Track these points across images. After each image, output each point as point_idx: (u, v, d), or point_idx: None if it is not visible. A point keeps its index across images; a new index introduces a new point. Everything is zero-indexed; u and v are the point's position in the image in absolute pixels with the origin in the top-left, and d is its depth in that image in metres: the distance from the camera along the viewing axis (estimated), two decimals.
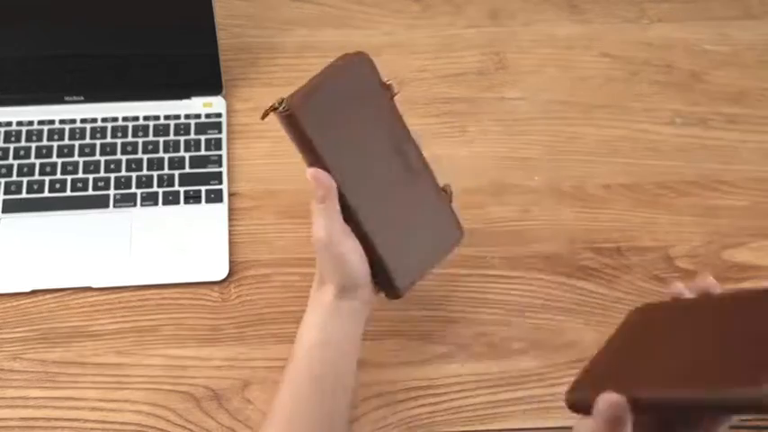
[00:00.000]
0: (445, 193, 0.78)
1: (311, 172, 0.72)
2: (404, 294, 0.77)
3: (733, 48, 1.09)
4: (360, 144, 0.74)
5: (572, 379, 0.84)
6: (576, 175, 0.98)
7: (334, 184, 0.72)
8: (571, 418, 0.80)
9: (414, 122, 1.00)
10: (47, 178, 0.93)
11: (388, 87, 0.75)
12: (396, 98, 0.75)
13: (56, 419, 0.81)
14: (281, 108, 0.70)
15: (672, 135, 1.02)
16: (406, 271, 0.76)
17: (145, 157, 0.95)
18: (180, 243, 0.90)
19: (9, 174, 0.93)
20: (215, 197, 0.93)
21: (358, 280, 0.74)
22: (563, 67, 1.07)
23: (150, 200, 0.93)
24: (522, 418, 0.83)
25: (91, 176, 0.94)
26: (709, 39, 1.10)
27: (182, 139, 0.97)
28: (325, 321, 0.75)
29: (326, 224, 0.72)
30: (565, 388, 0.83)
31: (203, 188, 0.93)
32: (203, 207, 0.92)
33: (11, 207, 0.91)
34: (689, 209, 0.96)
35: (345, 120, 0.73)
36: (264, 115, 0.71)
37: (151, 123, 0.97)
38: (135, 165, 0.95)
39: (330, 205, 0.72)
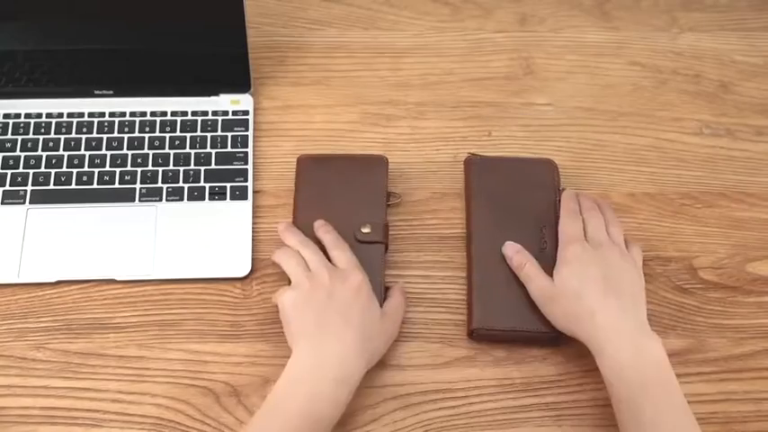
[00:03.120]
0: None
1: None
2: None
3: (764, 59, 1.08)
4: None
5: (589, 386, 0.84)
6: (601, 182, 0.98)
7: None
8: (589, 427, 0.80)
9: (439, 125, 1.01)
10: (74, 171, 0.94)
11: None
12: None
13: (76, 410, 0.82)
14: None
15: (699, 145, 1.01)
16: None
17: (171, 152, 0.96)
18: (204, 239, 0.91)
19: (38, 165, 0.94)
20: (240, 194, 0.93)
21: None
22: (591, 73, 1.07)
23: (176, 195, 0.93)
24: (540, 424, 0.83)
25: (118, 170, 0.94)
26: (740, 49, 1.09)
27: (208, 135, 0.97)
28: (343, 399, 0.77)
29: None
30: (583, 396, 0.84)
31: (228, 185, 0.94)
32: (228, 204, 0.93)
33: (38, 198, 0.92)
34: (714, 220, 0.96)
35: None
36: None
37: (179, 119, 0.98)
38: (162, 159, 0.95)
39: None
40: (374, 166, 0.93)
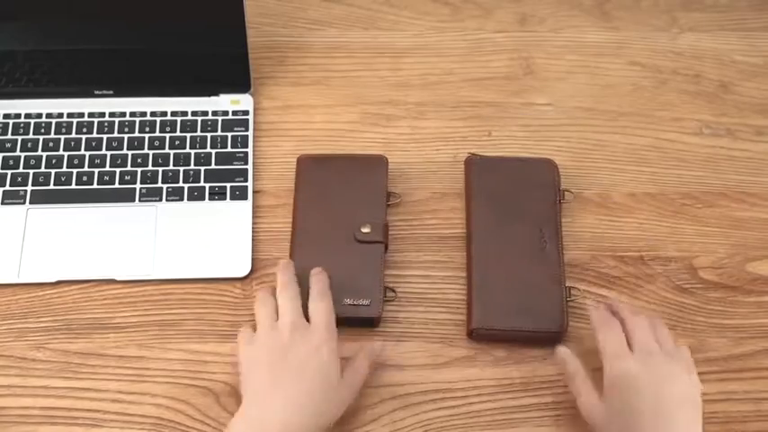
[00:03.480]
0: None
1: None
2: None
3: (764, 59, 1.08)
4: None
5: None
6: (601, 182, 0.98)
7: None
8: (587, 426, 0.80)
9: (439, 125, 1.01)
10: (74, 171, 0.94)
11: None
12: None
13: (76, 410, 0.82)
14: None
15: (699, 145, 1.01)
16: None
17: (171, 152, 0.96)
18: (204, 239, 0.91)
19: (38, 165, 0.94)
20: (240, 194, 0.93)
21: None
22: (591, 73, 1.07)
23: (176, 195, 0.93)
24: (539, 424, 0.83)
25: (118, 170, 0.94)
26: (740, 49, 1.09)
27: (208, 135, 0.97)
28: None
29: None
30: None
31: (228, 185, 0.94)
32: (228, 204, 0.93)
33: (38, 198, 0.92)
34: (714, 220, 0.96)
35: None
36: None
37: (179, 119, 0.98)
38: (161, 159, 0.95)
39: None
40: (374, 166, 0.93)
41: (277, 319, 0.81)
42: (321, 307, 0.81)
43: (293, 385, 0.76)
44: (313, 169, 0.94)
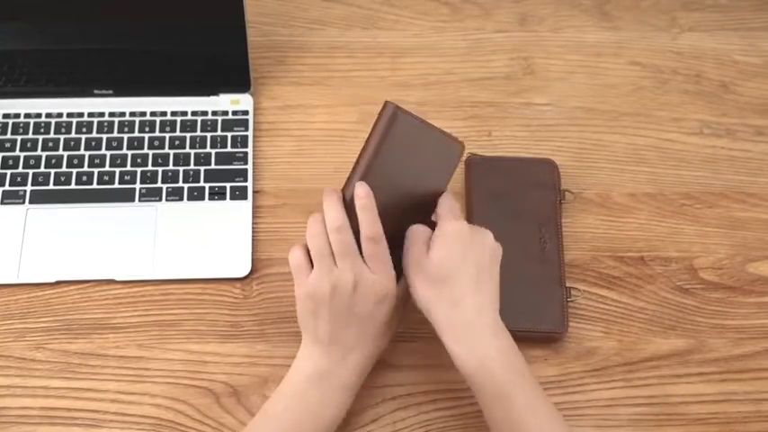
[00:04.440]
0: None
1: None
2: None
3: (764, 59, 1.08)
4: None
5: (589, 387, 0.84)
6: (601, 182, 0.97)
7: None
8: (590, 428, 0.80)
9: (439, 125, 1.00)
10: (74, 170, 0.94)
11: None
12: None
13: (76, 410, 0.82)
14: None
15: (699, 145, 1.01)
16: None
17: (171, 152, 0.96)
18: (203, 239, 0.91)
19: (37, 165, 0.94)
20: (240, 194, 0.93)
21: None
22: (591, 73, 1.07)
23: (175, 195, 0.93)
24: None
25: (117, 170, 0.94)
26: (740, 49, 1.09)
27: (208, 135, 0.97)
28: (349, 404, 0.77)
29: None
30: (583, 396, 0.84)
31: (228, 185, 0.94)
32: (228, 204, 0.93)
33: (38, 198, 0.92)
34: (714, 220, 0.96)
35: None
36: None
37: (179, 119, 0.98)
38: (161, 159, 0.95)
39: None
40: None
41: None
42: (377, 248, 0.74)
43: (357, 338, 0.76)
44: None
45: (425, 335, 0.87)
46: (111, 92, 0.99)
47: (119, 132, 0.97)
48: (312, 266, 0.74)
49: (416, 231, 0.76)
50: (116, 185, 0.93)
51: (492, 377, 0.72)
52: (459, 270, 0.74)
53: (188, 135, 0.97)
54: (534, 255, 0.88)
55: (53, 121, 0.97)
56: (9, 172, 0.94)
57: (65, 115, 0.98)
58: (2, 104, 0.98)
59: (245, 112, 0.99)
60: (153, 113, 0.98)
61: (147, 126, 0.97)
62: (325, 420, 0.75)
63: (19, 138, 0.96)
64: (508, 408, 0.71)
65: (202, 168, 0.95)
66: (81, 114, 0.98)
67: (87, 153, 0.95)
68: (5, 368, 0.84)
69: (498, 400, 0.71)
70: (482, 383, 0.72)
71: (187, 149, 0.96)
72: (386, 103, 0.75)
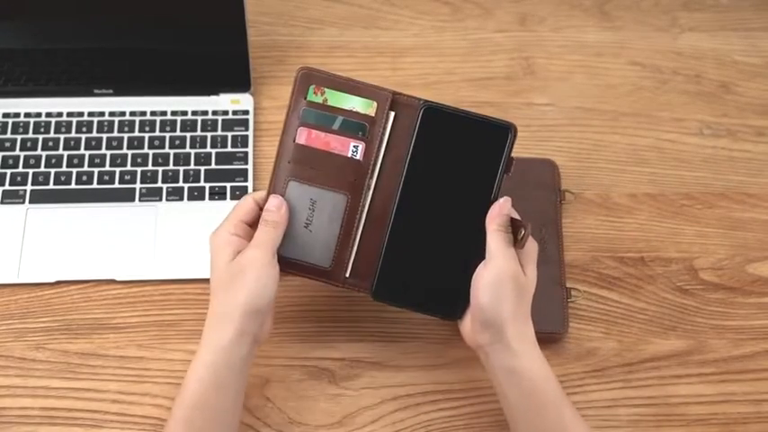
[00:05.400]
0: None
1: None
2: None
3: (764, 59, 1.08)
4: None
5: (590, 387, 0.84)
6: (601, 183, 0.97)
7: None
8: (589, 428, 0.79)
9: None
10: (74, 170, 0.94)
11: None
12: None
13: (76, 410, 0.82)
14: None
15: (699, 146, 1.01)
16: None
17: (171, 152, 0.96)
18: (204, 239, 0.90)
19: (37, 165, 0.94)
20: (240, 194, 0.93)
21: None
22: (591, 74, 1.07)
23: (175, 195, 0.93)
24: None
25: (118, 170, 0.94)
26: (741, 49, 1.09)
27: (208, 135, 0.97)
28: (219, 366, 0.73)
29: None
30: (583, 397, 0.84)
31: (228, 185, 0.94)
32: (228, 204, 0.93)
33: (38, 198, 0.92)
34: (715, 221, 0.96)
35: None
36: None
37: (179, 118, 0.98)
38: (161, 159, 0.95)
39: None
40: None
41: None
42: None
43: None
44: None
45: (425, 335, 0.87)
46: (111, 91, 0.99)
47: (119, 132, 0.97)
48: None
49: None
50: (116, 185, 0.93)
51: (555, 385, 0.73)
52: (511, 313, 0.73)
53: (188, 135, 0.97)
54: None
55: (53, 120, 0.97)
56: (9, 171, 0.93)
57: (65, 115, 0.98)
58: (2, 104, 0.98)
59: (246, 112, 0.99)
60: (153, 113, 0.98)
61: (148, 126, 0.97)
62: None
63: (19, 137, 0.96)
64: (561, 415, 0.72)
65: (203, 168, 0.95)
66: (81, 114, 0.98)
67: (87, 153, 0.95)
68: (5, 368, 0.83)
69: (556, 406, 0.72)
70: (544, 389, 0.72)
71: (187, 149, 0.96)
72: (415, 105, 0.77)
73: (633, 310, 0.89)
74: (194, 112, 0.99)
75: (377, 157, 0.77)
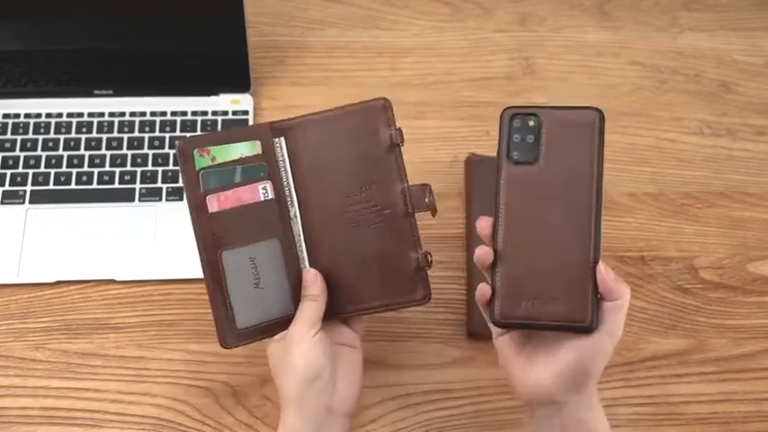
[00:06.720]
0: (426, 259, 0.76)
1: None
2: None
3: (764, 59, 1.08)
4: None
5: None
6: None
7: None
8: None
9: (439, 125, 1.01)
10: (74, 170, 0.94)
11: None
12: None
13: (76, 410, 0.82)
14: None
15: (699, 145, 1.01)
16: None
17: (171, 152, 0.96)
18: None
19: (37, 165, 0.94)
20: None
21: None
22: (591, 73, 1.06)
23: (175, 195, 0.93)
24: None
25: (117, 170, 0.94)
26: (741, 49, 1.09)
27: None
28: None
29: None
30: None
31: None
32: None
33: (38, 198, 0.92)
34: (715, 220, 0.95)
35: None
36: None
37: (179, 119, 0.98)
38: (161, 159, 0.95)
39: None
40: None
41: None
42: None
43: None
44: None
45: (425, 335, 0.87)
46: (110, 92, 0.99)
47: (119, 132, 0.97)
48: None
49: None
50: (116, 185, 0.93)
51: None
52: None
53: (188, 135, 0.97)
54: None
55: (53, 121, 0.97)
56: (9, 172, 0.94)
57: (65, 115, 0.98)
58: (2, 104, 0.98)
59: (245, 112, 0.99)
60: (153, 113, 0.98)
61: (147, 126, 0.97)
62: None
63: (19, 138, 0.96)
64: None
65: None
66: (81, 114, 0.98)
67: (87, 153, 0.95)
68: (5, 368, 0.84)
69: None
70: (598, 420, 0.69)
71: None
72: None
73: (633, 309, 0.89)
74: (194, 113, 0.99)
75: (288, 184, 0.75)
